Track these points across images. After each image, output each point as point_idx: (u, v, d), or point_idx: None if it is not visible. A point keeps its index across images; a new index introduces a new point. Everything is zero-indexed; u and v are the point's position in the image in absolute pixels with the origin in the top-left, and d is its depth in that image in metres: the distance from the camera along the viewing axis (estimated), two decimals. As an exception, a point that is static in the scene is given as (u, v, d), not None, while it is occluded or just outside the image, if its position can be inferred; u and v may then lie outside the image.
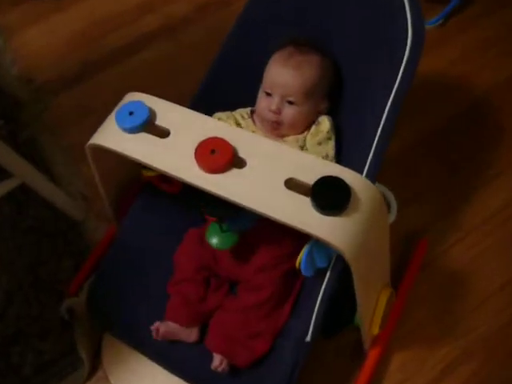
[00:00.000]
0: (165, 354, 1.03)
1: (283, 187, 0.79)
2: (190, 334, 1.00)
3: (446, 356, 1.10)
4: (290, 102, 1.02)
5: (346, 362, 1.10)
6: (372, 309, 0.95)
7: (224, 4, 1.67)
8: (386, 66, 0.96)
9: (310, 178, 0.79)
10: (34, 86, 1.55)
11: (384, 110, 0.93)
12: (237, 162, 0.82)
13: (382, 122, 0.92)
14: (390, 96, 0.93)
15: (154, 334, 0.99)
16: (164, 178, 1.02)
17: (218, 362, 0.95)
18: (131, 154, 0.85)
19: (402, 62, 0.92)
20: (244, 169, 0.81)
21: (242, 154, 0.82)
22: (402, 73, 0.91)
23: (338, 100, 1.08)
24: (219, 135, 0.83)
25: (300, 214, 0.77)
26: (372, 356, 1.06)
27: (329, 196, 0.77)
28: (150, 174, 0.98)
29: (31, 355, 1.17)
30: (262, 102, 1.04)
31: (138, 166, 0.97)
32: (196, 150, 0.82)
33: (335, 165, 0.82)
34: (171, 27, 1.62)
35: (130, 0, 1.68)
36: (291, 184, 0.80)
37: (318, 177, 0.78)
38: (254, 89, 1.08)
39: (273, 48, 1.07)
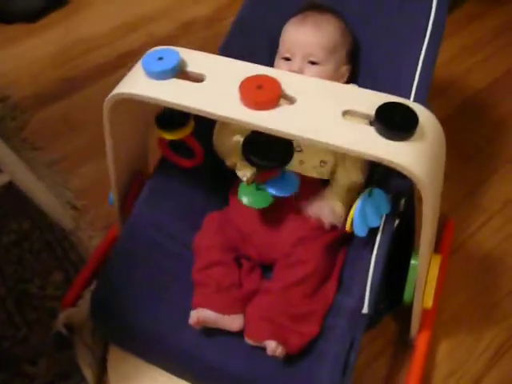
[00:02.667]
0: (186, 366, 0.88)
1: (341, 118, 0.72)
2: (233, 322, 0.86)
3: (494, 341, 1.03)
4: (313, 63, 0.96)
5: (394, 352, 1.00)
6: (425, 276, 0.87)
7: (208, 23, 1.67)
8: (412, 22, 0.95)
9: (369, 109, 0.72)
10: (10, 103, 1.44)
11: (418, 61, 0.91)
12: (286, 99, 0.75)
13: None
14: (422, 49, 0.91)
15: (190, 321, 0.86)
16: (183, 151, 0.92)
17: (273, 345, 0.81)
18: (165, 98, 0.75)
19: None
20: (295, 104, 0.74)
21: (290, 92, 0.75)
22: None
23: (357, 69, 1.04)
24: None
25: (365, 140, 0.69)
26: (422, 339, 0.96)
27: (396, 119, 0.70)
28: (170, 137, 0.87)
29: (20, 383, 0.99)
30: (282, 68, 0.97)
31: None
32: (240, 86, 0.74)
33: (393, 96, 0.76)
34: (154, 45, 1.58)
35: (114, 20, 1.66)
36: (349, 116, 0.73)
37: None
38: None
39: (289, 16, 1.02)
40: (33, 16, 1.59)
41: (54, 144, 1.36)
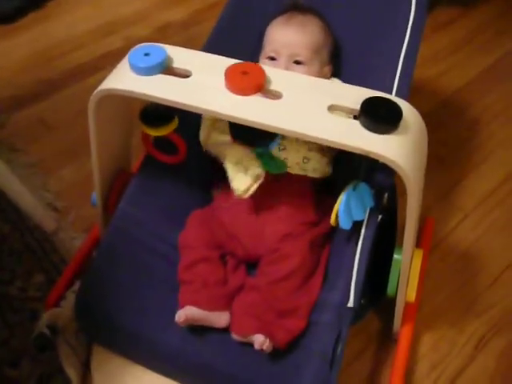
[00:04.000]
0: (173, 364, 0.87)
1: (327, 112, 0.73)
2: (220, 319, 0.86)
3: (475, 333, 1.05)
4: (298, 62, 0.97)
5: (376, 347, 1.02)
6: (408, 269, 0.88)
7: (182, 27, 1.68)
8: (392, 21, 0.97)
9: (353, 103, 0.73)
10: (-15, 105, 1.42)
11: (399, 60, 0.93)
12: (272, 94, 0.75)
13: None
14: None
15: (177, 319, 0.85)
16: (167, 148, 0.92)
17: (261, 339, 0.81)
18: (152, 93, 0.75)
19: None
20: (281, 99, 0.75)
21: (276, 87, 0.76)
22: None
23: (338, 67, 1.06)
24: (248, 70, 0.77)
25: (351, 133, 0.71)
26: (405, 333, 0.97)
27: (381, 113, 0.72)
28: (155, 133, 0.87)
29: (1, 386, 0.97)
30: None
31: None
32: (226, 72, 0.75)
33: (378, 92, 0.77)
34: (132, 48, 1.59)
35: (92, 22, 1.66)
36: (334, 110, 0.74)
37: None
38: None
39: (271, 17, 1.03)
40: (9, 17, 1.58)
41: (32, 145, 1.35)
